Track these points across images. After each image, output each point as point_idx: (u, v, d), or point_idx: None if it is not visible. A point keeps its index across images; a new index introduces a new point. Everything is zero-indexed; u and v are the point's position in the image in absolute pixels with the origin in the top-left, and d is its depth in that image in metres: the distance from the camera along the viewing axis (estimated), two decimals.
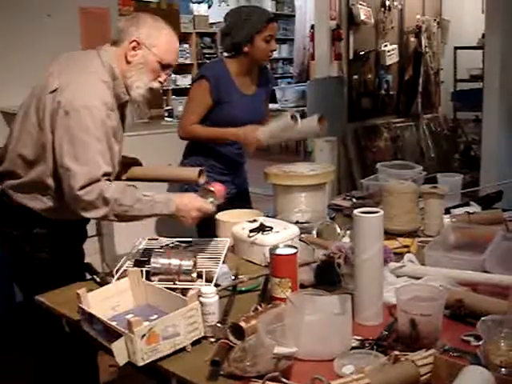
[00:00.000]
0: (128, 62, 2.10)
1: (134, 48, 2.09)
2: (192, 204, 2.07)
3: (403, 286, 1.56)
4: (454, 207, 2.48)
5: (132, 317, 1.50)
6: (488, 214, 2.34)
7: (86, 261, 2.37)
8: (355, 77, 6.03)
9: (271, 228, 2.16)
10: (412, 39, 6.66)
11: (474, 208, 2.47)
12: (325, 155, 5.99)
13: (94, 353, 2.25)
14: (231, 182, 3.03)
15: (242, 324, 1.49)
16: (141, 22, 2.10)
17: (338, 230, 2.26)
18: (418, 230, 2.39)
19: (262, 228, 2.16)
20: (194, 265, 1.87)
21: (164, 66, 2.12)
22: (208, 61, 11.11)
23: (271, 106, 9.03)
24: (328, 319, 1.49)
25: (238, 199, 3.03)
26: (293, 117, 2.69)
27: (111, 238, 3.95)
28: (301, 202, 2.59)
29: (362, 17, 5.86)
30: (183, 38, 10.11)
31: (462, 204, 2.55)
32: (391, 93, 6.36)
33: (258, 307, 1.69)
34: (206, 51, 10.81)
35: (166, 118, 4.88)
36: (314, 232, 2.25)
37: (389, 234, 2.35)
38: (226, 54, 2.95)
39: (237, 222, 2.28)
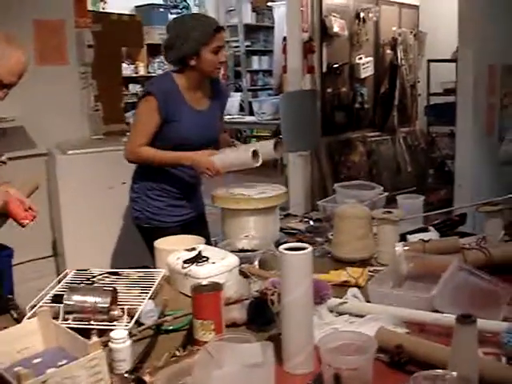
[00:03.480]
0: None
1: None
2: None
3: (329, 334, 1.39)
4: (410, 233, 2.30)
5: (20, 369, 1.31)
6: (444, 242, 2.15)
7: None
8: (329, 90, 5.88)
9: (207, 258, 1.98)
10: (388, 52, 6.53)
11: (432, 234, 2.30)
12: (298, 170, 5.84)
13: None
14: (187, 206, 2.85)
15: (146, 378, 1.31)
16: None
17: None
18: (372, 258, 2.22)
19: (196, 258, 1.98)
20: (113, 302, 1.69)
21: (4, 85, 2.23)
22: None
23: (248, 118, 8.97)
24: (245, 371, 1.31)
25: (195, 224, 2.85)
26: (255, 154, 2.54)
27: (63, 258, 3.77)
28: (249, 226, 2.43)
29: (336, 29, 5.72)
30: (160, 49, 9.95)
31: (420, 229, 2.37)
32: (366, 106, 6.21)
33: (177, 352, 1.52)
34: None
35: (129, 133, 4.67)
36: (256, 262, 2.07)
37: (340, 263, 2.20)
38: (172, 68, 2.76)
39: (173, 251, 2.10)
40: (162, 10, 10.23)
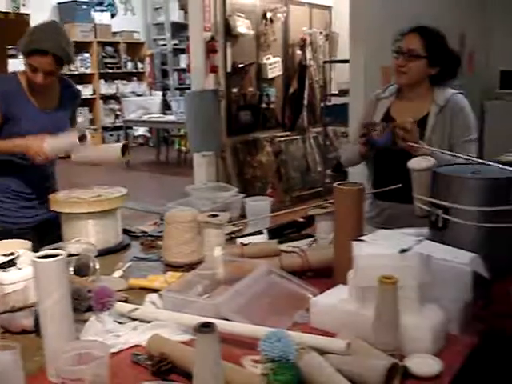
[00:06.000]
0: None
1: None
2: None
3: (69, 344, 1.36)
4: (242, 236, 2.29)
5: None
6: (262, 246, 2.14)
7: None
8: (234, 90, 5.88)
9: (14, 264, 1.93)
10: (298, 52, 6.56)
11: (262, 238, 2.29)
12: (202, 171, 5.82)
13: None
14: (37, 207, 2.79)
15: None
16: None
17: (97, 265, 2.04)
18: (201, 262, 2.20)
19: (4, 264, 1.93)
20: None
21: None
22: (110, 70, 10.85)
23: (167, 117, 8.91)
24: None
25: (48, 226, 2.79)
26: (82, 138, 2.49)
27: None
28: (87, 230, 2.38)
29: (240, 29, 5.72)
30: (83, 46, 9.81)
31: (255, 232, 2.36)
32: (272, 106, 6.23)
33: None
34: (107, 61, 10.54)
35: None
36: (71, 268, 2.02)
37: (170, 267, 2.18)
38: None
39: None
40: (84, 7, 10.12)
